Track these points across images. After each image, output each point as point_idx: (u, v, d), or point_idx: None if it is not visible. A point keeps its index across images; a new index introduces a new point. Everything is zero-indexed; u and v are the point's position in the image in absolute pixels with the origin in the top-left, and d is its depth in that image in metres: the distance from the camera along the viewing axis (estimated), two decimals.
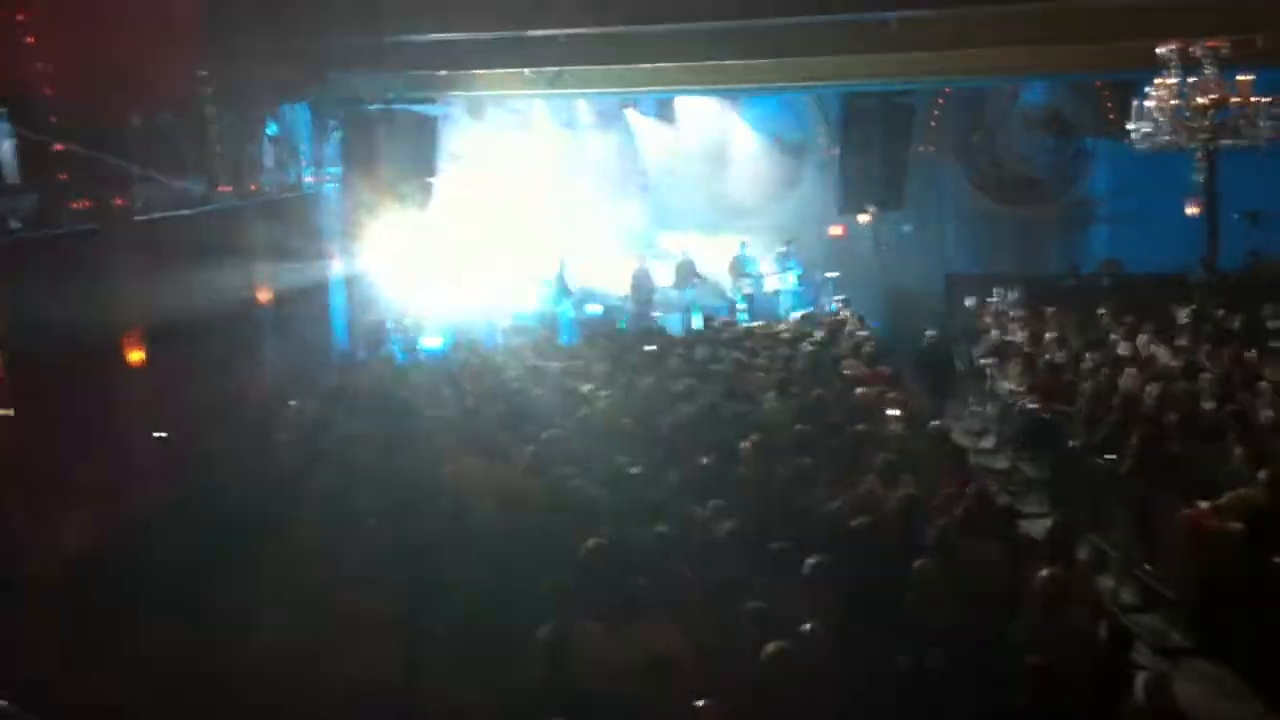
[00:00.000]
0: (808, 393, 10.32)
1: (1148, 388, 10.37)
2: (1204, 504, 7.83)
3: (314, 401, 11.41)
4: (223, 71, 11.32)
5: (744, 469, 8.23)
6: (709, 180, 19.16)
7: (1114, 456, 9.21)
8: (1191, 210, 15.44)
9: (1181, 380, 10.65)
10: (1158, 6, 10.80)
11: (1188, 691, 6.52)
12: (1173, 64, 11.51)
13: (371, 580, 6.66)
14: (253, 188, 12.65)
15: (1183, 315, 13.48)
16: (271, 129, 13.96)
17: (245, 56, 11.21)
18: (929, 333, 13.71)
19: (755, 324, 16.15)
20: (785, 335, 14.13)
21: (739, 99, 18.75)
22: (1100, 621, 6.05)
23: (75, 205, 9.35)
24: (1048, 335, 13.24)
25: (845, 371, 11.88)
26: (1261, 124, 11.41)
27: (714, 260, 18.76)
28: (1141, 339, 12.65)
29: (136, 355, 9.29)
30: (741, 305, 18.35)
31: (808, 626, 5.71)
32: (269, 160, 13.99)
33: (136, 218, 9.99)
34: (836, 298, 17.03)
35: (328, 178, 15.26)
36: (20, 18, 8.66)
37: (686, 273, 18.37)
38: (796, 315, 16.41)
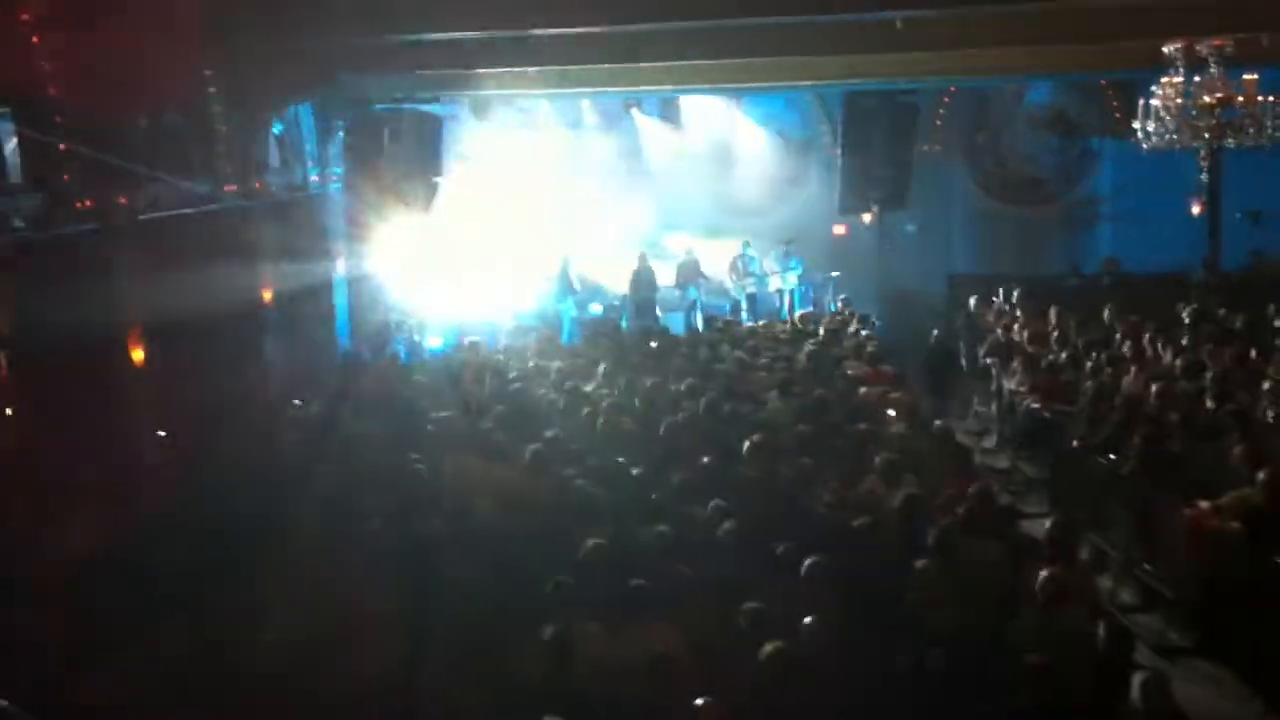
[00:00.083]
0: (810, 392, 10.34)
1: (1150, 387, 10.36)
2: (1204, 504, 7.83)
3: (318, 401, 11.45)
4: (228, 71, 11.35)
5: (746, 469, 8.25)
6: (712, 179, 19.17)
7: (1115, 456, 9.22)
8: (1194, 210, 15.46)
9: (1183, 380, 10.65)
10: (1159, 6, 10.81)
11: (1187, 692, 6.52)
12: (1179, 63, 11.52)
13: (374, 580, 6.70)
14: (258, 187, 12.65)
15: (1184, 315, 13.47)
16: (277, 129, 13.99)
17: (251, 56, 11.25)
18: (935, 332, 13.73)
19: (757, 324, 16.17)
20: (787, 335, 14.15)
21: (743, 98, 18.76)
22: (1100, 621, 6.05)
23: (80, 205, 9.36)
24: (1051, 335, 13.24)
25: (848, 371, 11.89)
26: (1267, 123, 11.42)
27: (716, 260, 18.77)
28: (1144, 338, 12.64)
29: (141, 355, 9.31)
30: (744, 305, 18.37)
31: (807, 626, 5.74)
32: (274, 160, 14.01)
33: (141, 218, 10.01)
34: (839, 297, 17.04)
35: (333, 178, 15.29)
36: (25, 18, 8.69)
37: (689, 272, 18.36)
38: (799, 315, 16.42)
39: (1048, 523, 7.39)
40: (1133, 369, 11.29)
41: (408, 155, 15.22)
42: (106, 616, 6.58)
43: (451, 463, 8.67)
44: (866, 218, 18.31)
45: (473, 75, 14.13)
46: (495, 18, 10.71)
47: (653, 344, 13.26)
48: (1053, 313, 13.79)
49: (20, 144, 9.38)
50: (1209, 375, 10.54)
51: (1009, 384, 12.38)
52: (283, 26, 10.76)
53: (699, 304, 18.30)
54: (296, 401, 11.52)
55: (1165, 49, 11.42)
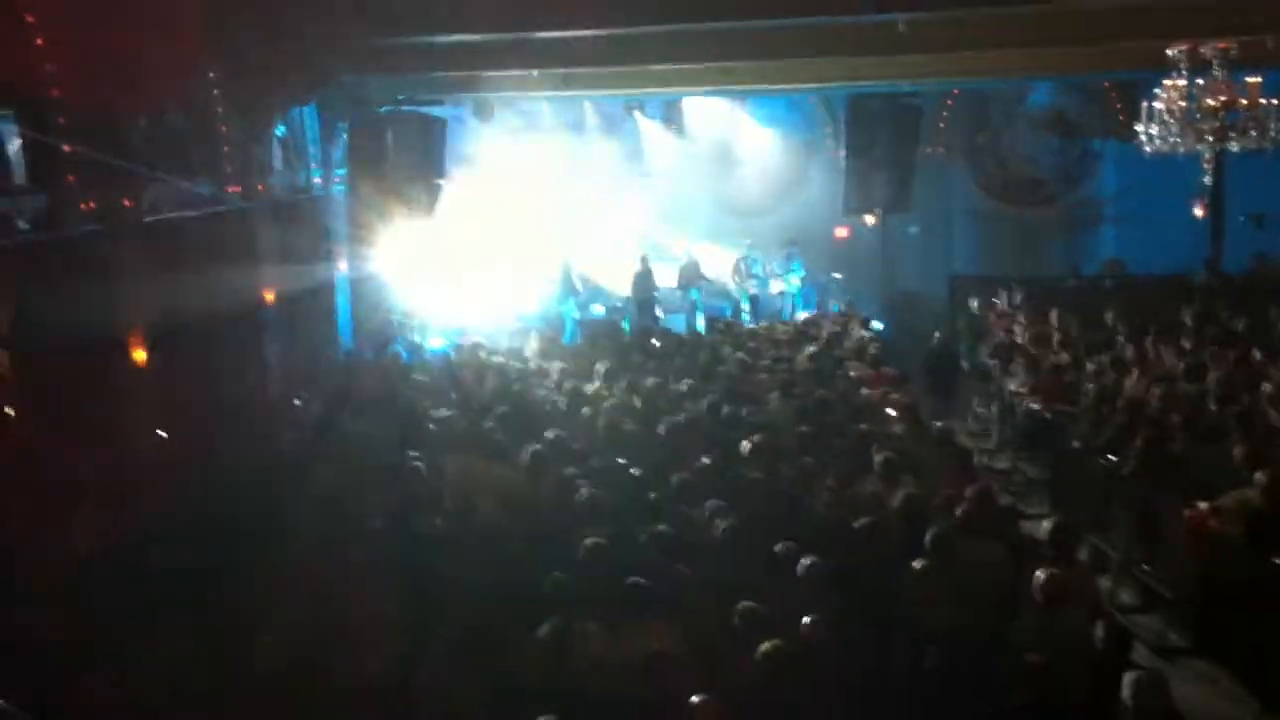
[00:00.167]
0: (811, 393, 10.35)
1: (1152, 389, 10.37)
2: (1204, 505, 7.83)
3: (320, 401, 11.46)
4: (231, 73, 11.37)
5: (746, 469, 8.26)
6: (715, 181, 19.20)
7: (1116, 457, 9.22)
8: (1197, 212, 15.45)
9: (1185, 382, 10.65)
10: (1161, 8, 10.81)
11: (1185, 692, 6.53)
12: (1182, 65, 11.51)
13: (374, 579, 6.71)
14: (261, 189, 12.67)
15: (1187, 317, 13.48)
16: (280, 131, 14.01)
17: (254, 58, 11.26)
18: (936, 334, 13.73)
19: (759, 325, 16.18)
20: (789, 336, 14.15)
21: (746, 100, 18.77)
22: (1099, 622, 6.06)
23: (83, 206, 9.38)
24: (1053, 336, 13.24)
25: (851, 373, 11.90)
26: (1270, 126, 11.41)
27: (718, 261, 18.79)
28: (1146, 340, 12.64)
29: (143, 355, 9.32)
30: (745, 306, 18.37)
31: (806, 625, 5.74)
32: (277, 162, 14.03)
33: (144, 219, 10.04)
34: (841, 299, 17.04)
35: (336, 179, 15.32)
36: (28, 19, 8.70)
37: (691, 274, 18.39)
38: (800, 316, 16.42)
39: (1047, 523, 7.40)
40: (1135, 371, 11.30)
41: (410, 157, 15.26)
42: (106, 616, 6.60)
43: (452, 462, 8.68)
44: (869, 219, 18.31)
45: (476, 77, 14.16)
46: (499, 20, 10.72)
47: (654, 344, 13.28)
48: (1054, 314, 13.80)
49: (24, 145, 9.40)
50: (1211, 377, 10.55)
51: (1010, 385, 12.39)
52: (286, 28, 10.77)
53: (700, 305, 18.32)
54: (298, 401, 11.54)
55: (1169, 51, 11.42)
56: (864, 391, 11.00)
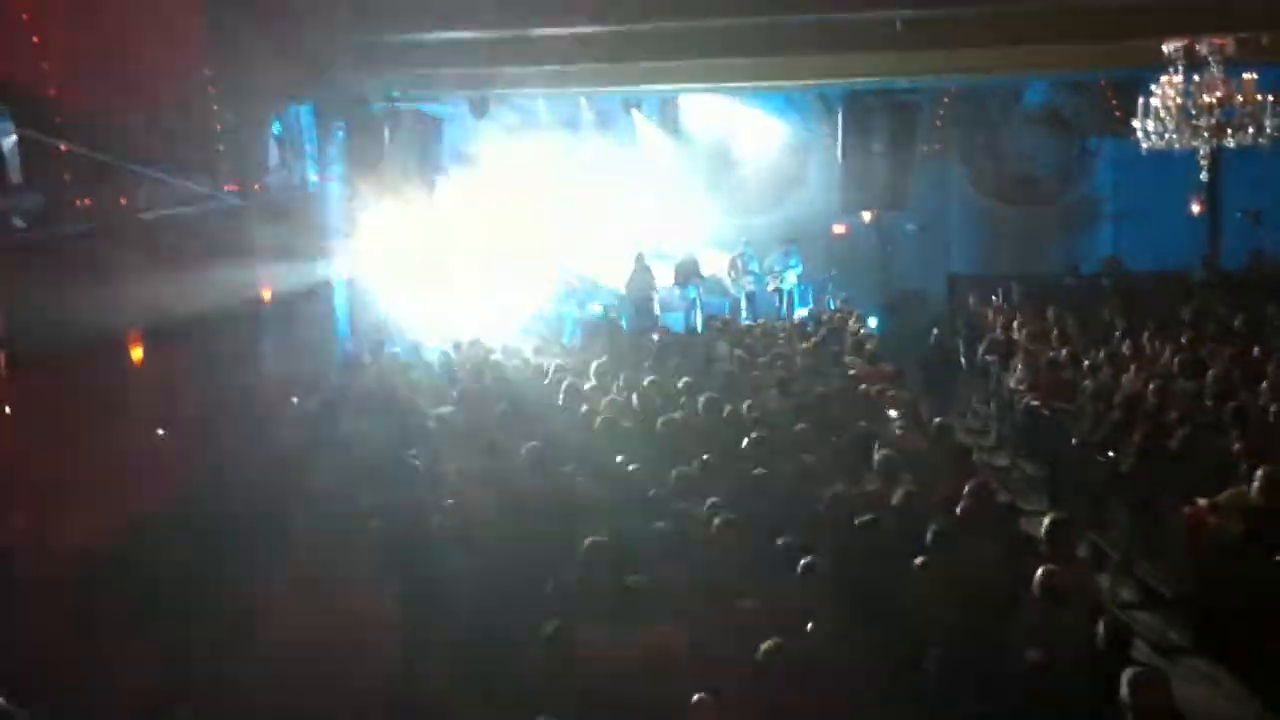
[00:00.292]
0: (809, 391, 10.35)
1: (1150, 385, 10.37)
2: (1202, 501, 7.84)
3: (317, 401, 11.45)
4: (228, 70, 11.35)
5: (744, 467, 8.25)
6: (712, 179, 19.16)
7: (1114, 454, 9.22)
8: (1195, 209, 15.47)
9: (1182, 378, 10.66)
10: (1158, 6, 10.81)
11: (1184, 691, 6.52)
12: (1178, 62, 11.51)
13: (374, 579, 6.71)
14: (257, 187, 12.65)
15: (1185, 314, 13.49)
16: (276, 129, 13.99)
17: (250, 55, 11.24)
18: (934, 331, 13.74)
19: (757, 322, 16.17)
20: (786, 334, 14.15)
21: (744, 97, 18.75)
22: (1099, 619, 6.06)
23: (79, 204, 9.36)
24: (1051, 333, 13.26)
25: (849, 371, 11.90)
26: (1267, 123, 11.41)
27: (716, 259, 18.77)
28: (1143, 337, 12.66)
29: (140, 354, 9.31)
30: (743, 304, 18.36)
31: (806, 623, 5.74)
32: (274, 160, 14.01)
33: (141, 217, 10.02)
34: (838, 296, 17.03)
35: (332, 177, 15.29)
36: (24, 17, 8.68)
37: (687, 271, 18.36)
38: (798, 314, 16.41)
39: (1046, 520, 7.40)
40: (1133, 367, 11.31)
41: (407, 155, 15.24)
42: (106, 616, 6.58)
43: (451, 461, 8.67)
44: (866, 217, 18.29)
45: (473, 75, 14.13)
46: (496, 17, 10.70)
47: (652, 341, 13.28)
48: (1051, 311, 13.81)
49: (20, 143, 9.37)
50: (1210, 374, 10.56)
51: (1009, 382, 12.40)
52: (283, 25, 10.75)
53: (698, 303, 18.30)
54: (295, 400, 11.52)
55: (1165, 48, 11.42)
56: (861, 388, 10.99)
